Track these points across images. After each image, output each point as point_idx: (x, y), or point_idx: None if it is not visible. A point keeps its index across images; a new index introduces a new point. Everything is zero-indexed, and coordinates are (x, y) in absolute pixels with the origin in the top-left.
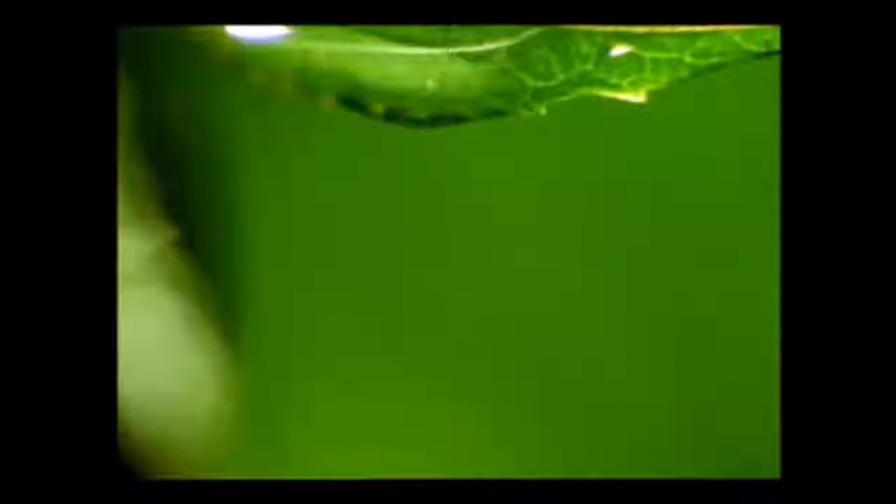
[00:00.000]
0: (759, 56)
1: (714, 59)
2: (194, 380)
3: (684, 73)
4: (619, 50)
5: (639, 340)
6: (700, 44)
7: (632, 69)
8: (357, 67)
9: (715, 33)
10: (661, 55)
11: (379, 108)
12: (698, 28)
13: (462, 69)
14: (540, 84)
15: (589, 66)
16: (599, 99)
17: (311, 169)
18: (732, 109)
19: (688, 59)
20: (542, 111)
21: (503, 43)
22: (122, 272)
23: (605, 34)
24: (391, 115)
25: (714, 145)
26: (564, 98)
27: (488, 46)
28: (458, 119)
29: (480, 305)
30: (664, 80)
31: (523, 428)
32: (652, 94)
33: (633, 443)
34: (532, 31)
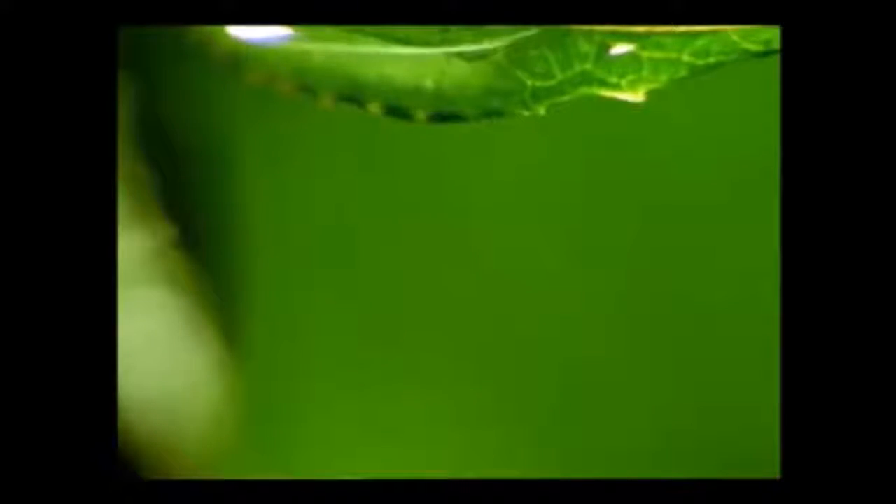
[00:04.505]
0: (758, 56)
1: (713, 59)
2: (194, 380)
3: (683, 72)
4: (618, 49)
5: (638, 340)
6: (699, 43)
7: (631, 68)
8: (356, 67)
9: (714, 33)
10: (660, 55)
11: (377, 108)
12: (697, 28)
13: (461, 69)
14: (539, 83)
15: (588, 66)
16: (598, 98)
17: (311, 168)
18: (732, 109)
19: (686, 58)
20: (541, 111)
21: (501, 42)
22: (122, 272)
23: (603, 34)
24: (390, 114)
25: (714, 145)
26: (563, 98)
27: (487, 46)
28: (458, 118)
29: (480, 305)
30: (663, 79)
31: (522, 428)
32: (651, 94)
33: (632, 443)
34: (531, 31)
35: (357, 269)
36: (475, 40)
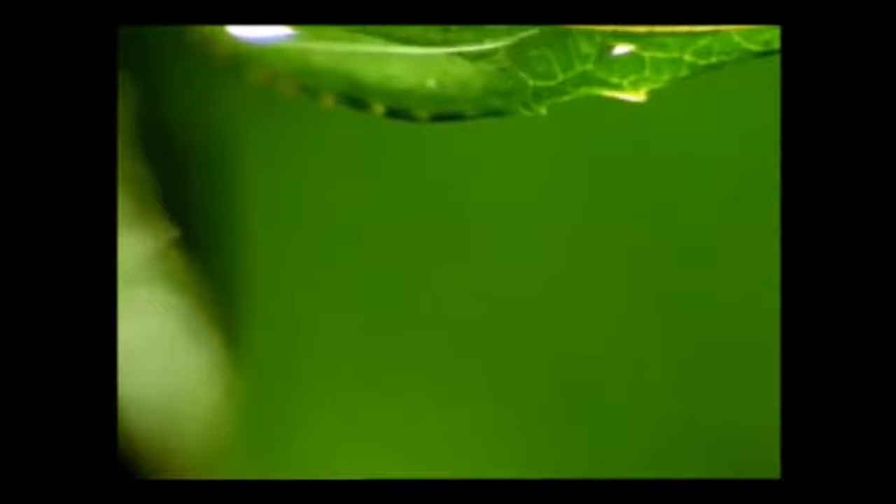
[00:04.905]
0: (759, 56)
1: (714, 59)
2: (194, 380)
3: (684, 72)
4: (619, 49)
5: (639, 340)
6: (700, 43)
7: (632, 68)
8: (357, 67)
9: (715, 33)
10: (662, 54)
11: (379, 107)
12: (698, 28)
13: (462, 69)
14: (540, 84)
15: (589, 66)
16: (599, 98)
17: (312, 168)
18: (732, 109)
19: (688, 58)
20: (543, 111)
21: (503, 42)
22: (123, 272)
23: (604, 34)
24: (390, 116)
25: (714, 145)
26: (565, 98)
27: (488, 46)
28: (459, 117)
29: (480, 305)
30: (664, 79)
31: (523, 428)
32: (652, 94)
33: (632, 443)
34: (532, 31)
35: (357, 269)
36: (477, 40)
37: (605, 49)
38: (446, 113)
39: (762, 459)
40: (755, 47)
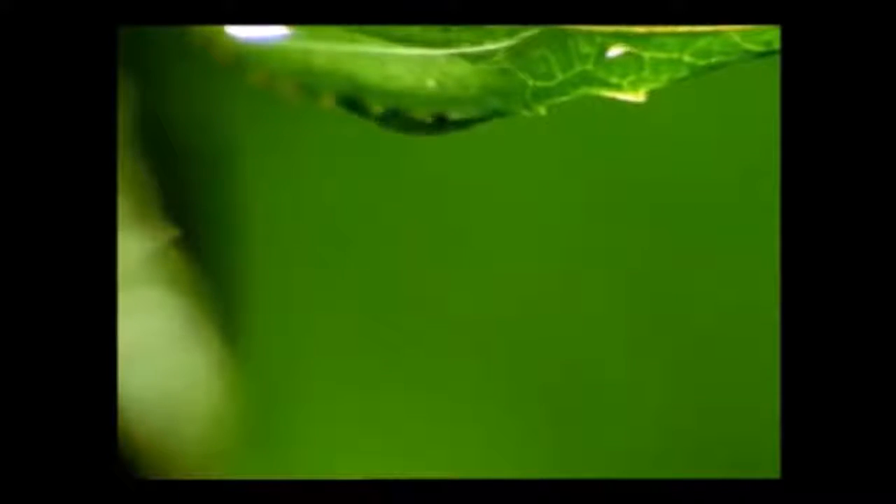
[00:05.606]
0: (759, 56)
1: (714, 59)
2: (194, 380)
3: (684, 72)
4: (619, 50)
5: (639, 340)
6: (700, 43)
7: (631, 69)
8: (357, 67)
9: (715, 33)
10: (661, 55)
11: (379, 108)
12: (698, 28)
13: (462, 69)
14: (540, 84)
15: (589, 66)
16: (599, 99)
17: (311, 169)
18: (732, 109)
19: (687, 58)
20: (542, 111)
21: (503, 43)
22: (123, 272)
23: (604, 34)
24: (390, 117)
25: (714, 145)
26: (564, 98)
27: (488, 46)
28: (459, 124)
29: (480, 305)
30: (664, 79)
31: (523, 428)
32: (652, 94)
33: (633, 443)
34: (532, 31)
35: (357, 269)
36: (476, 41)
37: (604, 49)
38: (446, 115)
39: (762, 459)
40: (755, 47)
